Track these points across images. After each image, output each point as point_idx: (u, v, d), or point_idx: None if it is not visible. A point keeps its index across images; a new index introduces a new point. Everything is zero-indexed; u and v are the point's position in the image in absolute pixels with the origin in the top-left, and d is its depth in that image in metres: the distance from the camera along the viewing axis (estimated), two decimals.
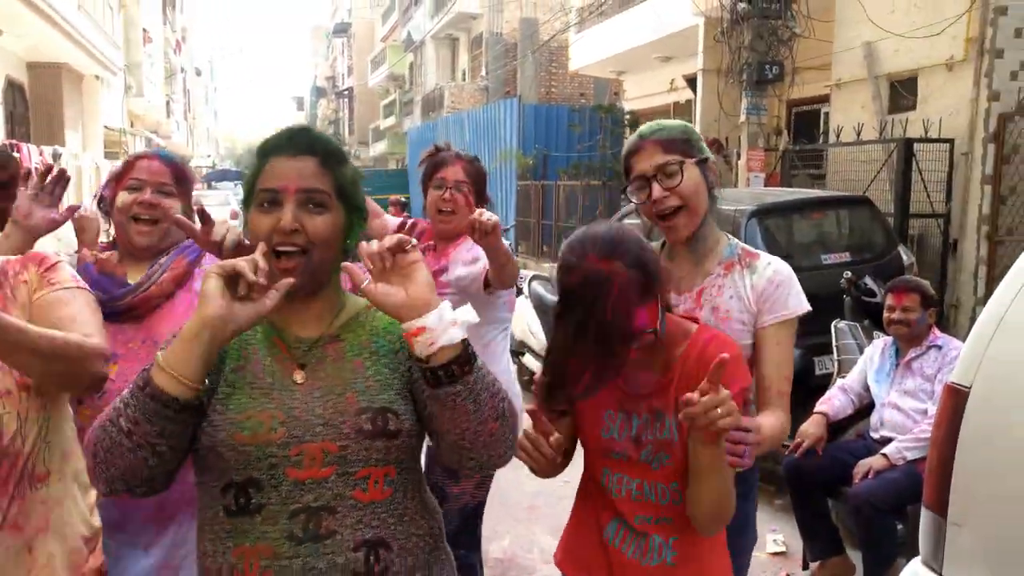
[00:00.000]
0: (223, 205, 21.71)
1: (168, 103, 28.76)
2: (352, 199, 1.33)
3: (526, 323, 6.48)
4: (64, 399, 1.55)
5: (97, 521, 1.61)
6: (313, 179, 1.28)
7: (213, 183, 30.72)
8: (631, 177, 1.76)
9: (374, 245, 1.18)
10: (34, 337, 1.32)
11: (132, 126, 22.25)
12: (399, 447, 1.28)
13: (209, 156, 54.59)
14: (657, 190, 1.71)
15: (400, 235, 1.19)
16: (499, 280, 2.43)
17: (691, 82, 12.26)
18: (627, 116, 14.56)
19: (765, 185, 9.01)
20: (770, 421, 1.67)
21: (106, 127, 18.20)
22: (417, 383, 1.28)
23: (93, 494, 1.61)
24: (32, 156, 11.17)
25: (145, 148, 25.01)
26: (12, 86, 13.47)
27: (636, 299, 1.39)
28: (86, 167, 14.40)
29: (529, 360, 6.58)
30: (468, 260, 2.60)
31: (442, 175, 2.63)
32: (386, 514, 1.29)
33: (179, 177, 1.96)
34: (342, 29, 44.46)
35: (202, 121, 52.93)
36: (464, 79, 25.49)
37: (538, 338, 6.28)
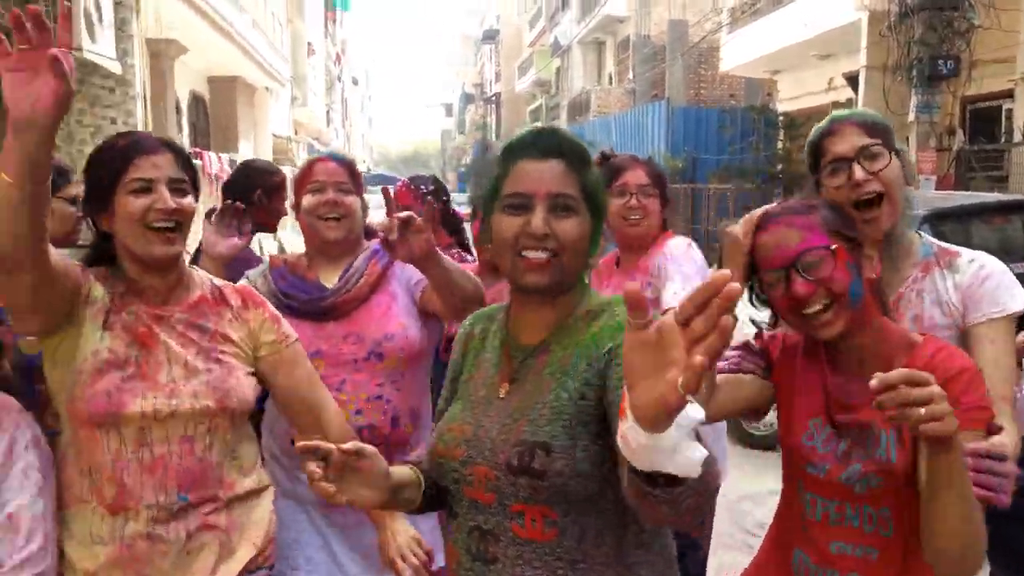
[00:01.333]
0: (379, 208, 22.72)
1: (328, 112, 30.39)
2: (597, 202, 1.28)
3: None
4: (245, 420, 1.67)
5: (272, 524, 1.69)
6: (562, 183, 1.24)
7: (369, 188, 32.07)
8: (825, 160, 1.62)
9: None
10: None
11: (296, 134, 23.69)
12: (551, 489, 1.17)
13: (364, 162, 57.21)
14: (859, 172, 1.56)
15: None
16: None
17: (852, 80, 11.63)
18: (781, 117, 14.05)
19: (937, 188, 8.43)
20: (1002, 439, 1.40)
21: (274, 135, 19.47)
22: (613, 417, 1.12)
23: (267, 500, 1.70)
24: (212, 163, 12.13)
25: (307, 155, 26.63)
26: (195, 99, 14.69)
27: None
28: None
29: None
30: (684, 268, 2.33)
31: (623, 181, 2.46)
32: (550, 556, 1.19)
33: (353, 174, 2.09)
34: (490, 36, 45.36)
35: (357, 128, 55.58)
36: (611, 83, 25.38)
37: None
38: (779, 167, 13.35)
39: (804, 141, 1.76)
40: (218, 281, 1.72)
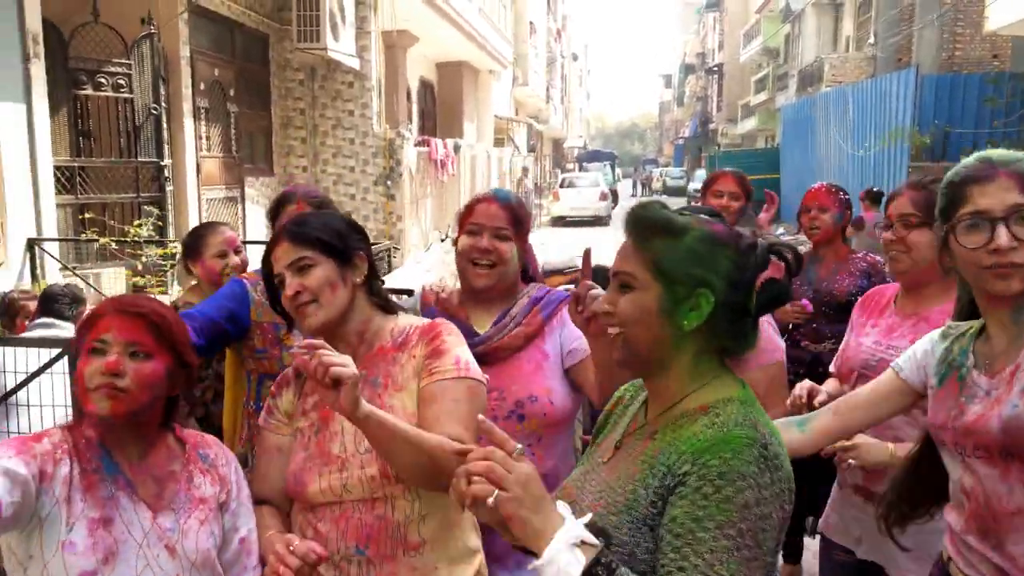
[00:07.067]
0: (594, 186, 22.73)
1: (547, 89, 30.73)
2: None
3: None
4: None
5: None
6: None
7: (584, 164, 32.23)
8: (962, 212, 1.42)
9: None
10: (400, 443, 1.39)
11: (516, 114, 24.18)
12: None
13: (580, 137, 57.48)
14: (1004, 237, 1.36)
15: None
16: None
17: None
18: None
19: None
20: None
21: (496, 116, 19.99)
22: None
23: (475, 565, 1.60)
24: (438, 149, 12.64)
25: (526, 134, 27.05)
26: (424, 85, 15.38)
27: None
28: (480, 156, 15.94)
29: None
30: None
31: (888, 212, 2.13)
32: None
33: (516, 219, 1.96)
34: (714, 3, 43.59)
35: (575, 104, 55.87)
36: (848, 49, 23.39)
37: None
38: None
39: None
40: (416, 322, 1.65)
